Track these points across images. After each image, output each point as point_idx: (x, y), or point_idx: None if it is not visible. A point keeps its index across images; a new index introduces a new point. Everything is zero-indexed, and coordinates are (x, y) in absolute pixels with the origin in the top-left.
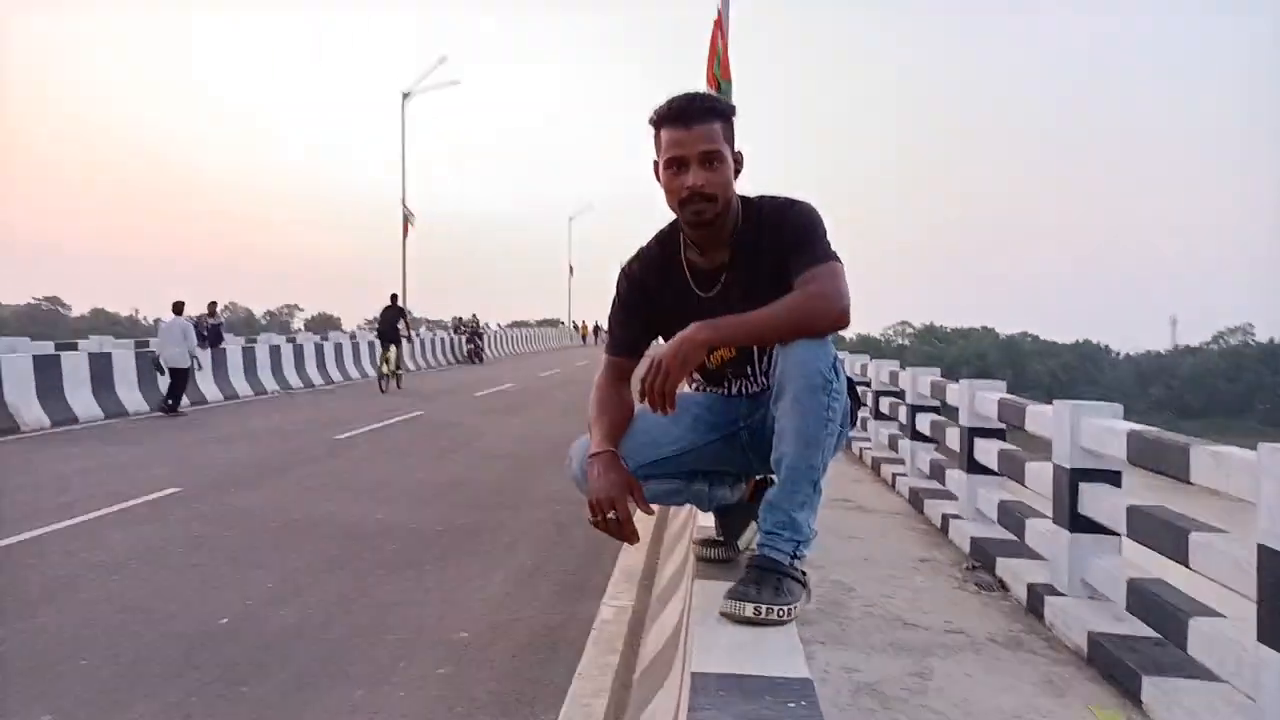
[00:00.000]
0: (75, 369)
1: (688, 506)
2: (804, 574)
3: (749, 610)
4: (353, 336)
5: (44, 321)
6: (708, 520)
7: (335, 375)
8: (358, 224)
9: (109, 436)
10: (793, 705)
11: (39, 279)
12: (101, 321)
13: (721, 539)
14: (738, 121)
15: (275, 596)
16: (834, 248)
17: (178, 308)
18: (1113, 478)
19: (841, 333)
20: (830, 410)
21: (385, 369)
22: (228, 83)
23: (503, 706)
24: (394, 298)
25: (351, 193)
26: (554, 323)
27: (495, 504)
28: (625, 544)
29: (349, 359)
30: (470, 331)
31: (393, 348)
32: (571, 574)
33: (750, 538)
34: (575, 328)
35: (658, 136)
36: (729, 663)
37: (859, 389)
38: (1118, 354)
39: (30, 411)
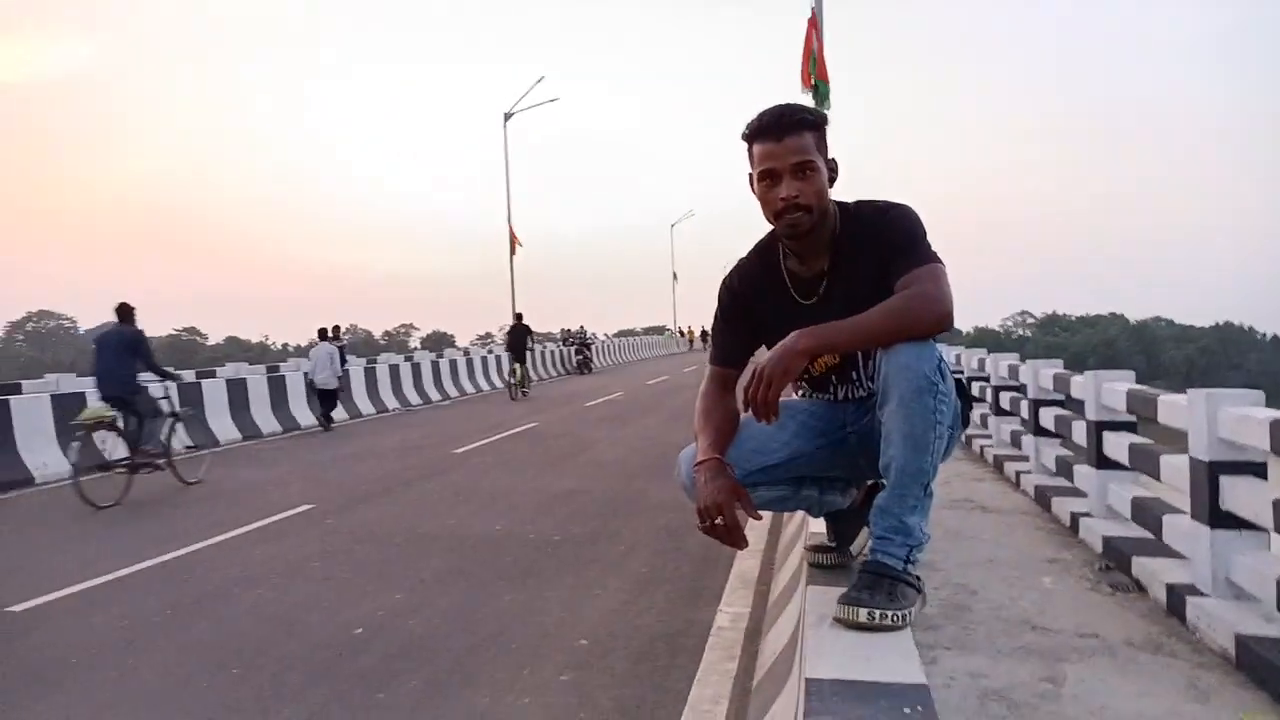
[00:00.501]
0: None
1: (801, 513)
2: (918, 579)
3: (863, 615)
4: (466, 352)
5: (183, 349)
6: (820, 526)
7: (451, 390)
8: (467, 243)
9: (247, 459)
10: (909, 711)
11: (178, 311)
12: (235, 349)
13: (833, 544)
14: (833, 128)
15: (404, 607)
16: (934, 249)
17: (323, 333)
18: (1257, 469)
19: (959, 327)
20: (937, 413)
21: (513, 380)
22: (336, 116)
23: (626, 713)
24: (519, 316)
25: (460, 214)
26: (659, 330)
27: (609, 512)
28: (738, 550)
29: (464, 374)
30: (579, 342)
31: (519, 364)
32: (687, 581)
33: (863, 543)
34: (681, 334)
35: (751, 150)
36: (843, 668)
37: (976, 384)
38: (1264, 335)
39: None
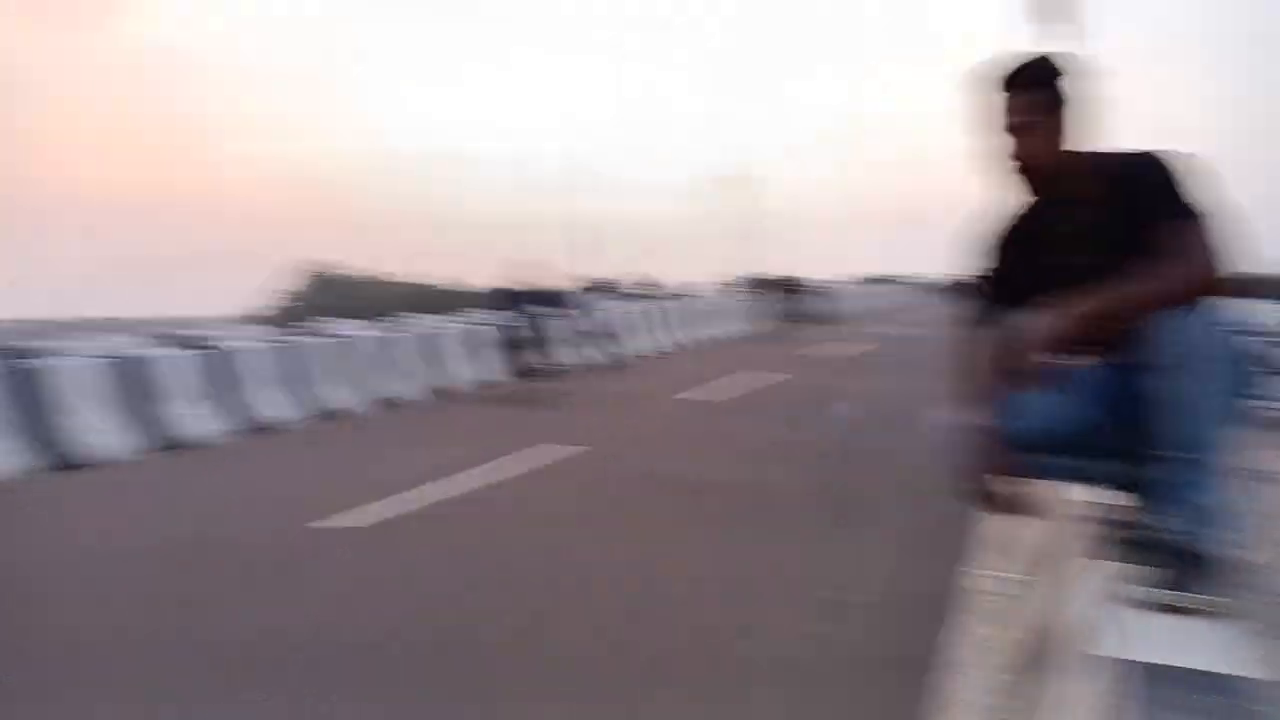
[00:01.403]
0: None
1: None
2: (1228, 562)
3: (1168, 598)
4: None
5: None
6: (1106, 498)
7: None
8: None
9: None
10: (1239, 704)
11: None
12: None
13: (1121, 520)
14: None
15: (668, 555)
16: (1198, 199)
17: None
18: None
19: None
20: (1217, 381)
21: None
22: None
23: (893, 672)
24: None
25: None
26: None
27: (864, 468)
28: (1004, 515)
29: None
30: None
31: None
32: (949, 542)
33: (1154, 521)
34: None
35: (993, 99)
36: (1149, 653)
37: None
38: None
39: None
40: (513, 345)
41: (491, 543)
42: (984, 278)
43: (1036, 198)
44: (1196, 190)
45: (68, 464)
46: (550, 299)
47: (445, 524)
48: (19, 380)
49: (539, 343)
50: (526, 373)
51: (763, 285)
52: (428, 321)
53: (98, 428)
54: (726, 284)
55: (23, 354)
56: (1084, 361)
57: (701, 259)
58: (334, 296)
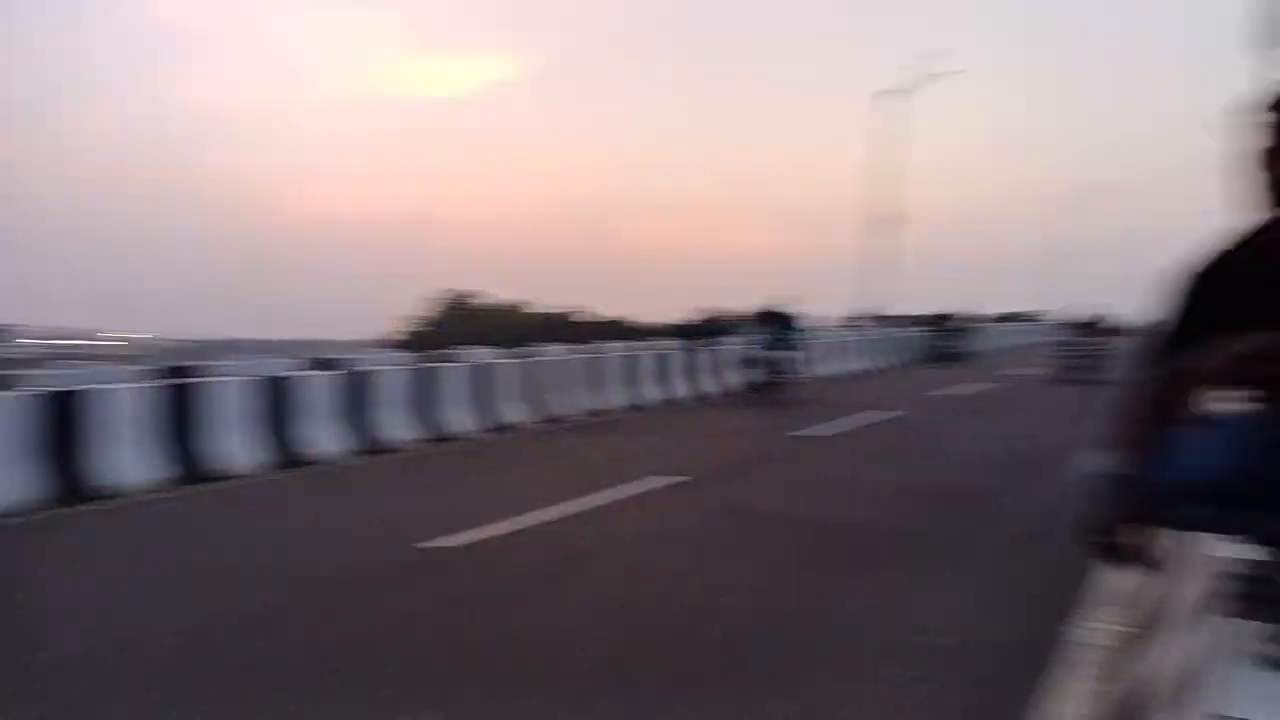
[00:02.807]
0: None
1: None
2: None
3: None
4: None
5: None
6: (1229, 551)
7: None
8: (827, 223)
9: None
10: None
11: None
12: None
13: (1257, 574)
14: None
15: (758, 585)
16: None
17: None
18: None
19: None
20: None
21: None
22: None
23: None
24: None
25: (829, 193)
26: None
27: (967, 510)
28: (1128, 566)
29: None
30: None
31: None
32: (1048, 590)
33: None
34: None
35: (1256, 126)
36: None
37: None
38: None
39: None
40: (750, 363)
41: None
42: (1184, 318)
43: None
44: None
45: (202, 477)
46: (782, 322)
47: None
48: (171, 397)
49: (771, 362)
50: (760, 387)
51: (912, 320)
52: (617, 346)
53: (235, 443)
54: (855, 318)
55: (181, 371)
56: (1248, 406)
57: (830, 292)
58: (467, 323)
